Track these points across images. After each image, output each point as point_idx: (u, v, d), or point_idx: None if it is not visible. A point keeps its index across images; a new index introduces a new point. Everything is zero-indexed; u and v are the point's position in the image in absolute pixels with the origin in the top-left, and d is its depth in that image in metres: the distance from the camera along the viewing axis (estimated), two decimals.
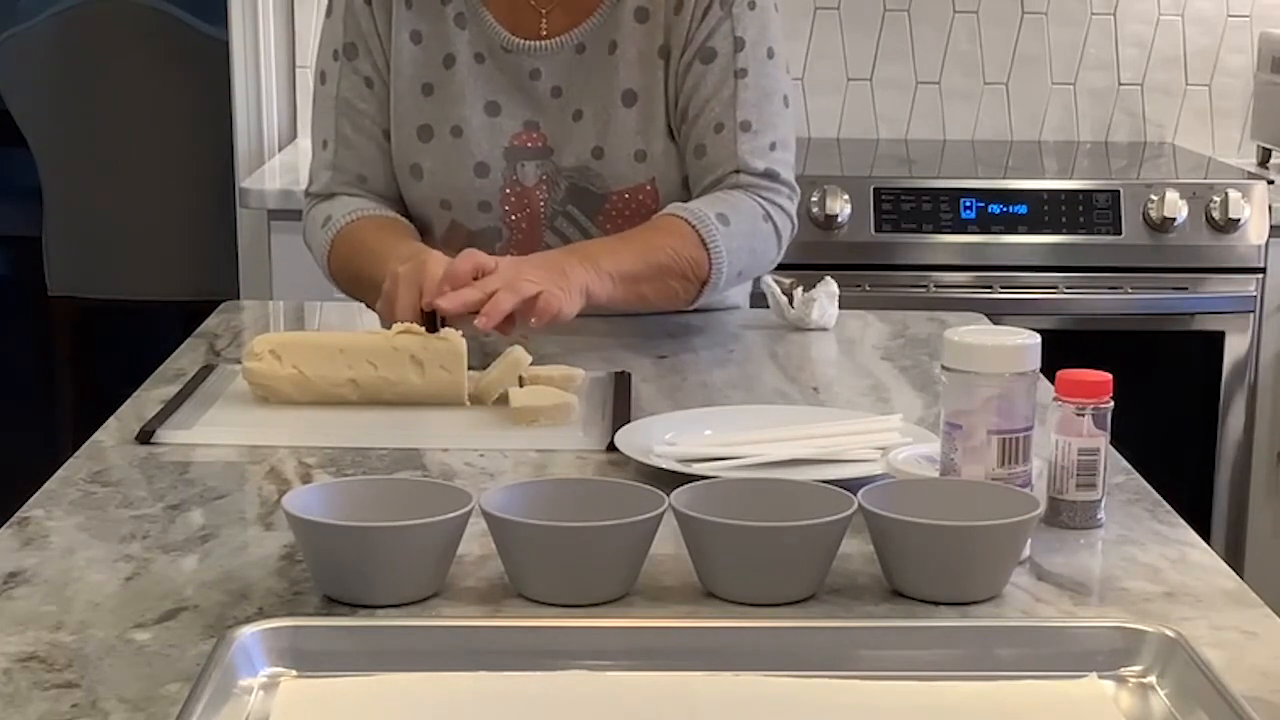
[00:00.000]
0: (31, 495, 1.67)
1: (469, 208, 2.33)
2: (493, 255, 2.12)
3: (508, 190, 2.33)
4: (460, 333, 1.96)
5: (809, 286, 2.36)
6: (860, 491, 1.45)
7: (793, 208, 2.35)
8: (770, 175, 2.31)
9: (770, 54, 2.32)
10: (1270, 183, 3.53)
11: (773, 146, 2.32)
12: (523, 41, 2.31)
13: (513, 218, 2.32)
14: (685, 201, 2.28)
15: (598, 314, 2.34)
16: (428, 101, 2.33)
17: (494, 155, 2.33)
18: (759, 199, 2.29)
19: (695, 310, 2.41)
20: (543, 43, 2.31)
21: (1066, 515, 1.60)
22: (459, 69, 2.32)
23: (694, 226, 2.22)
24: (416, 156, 2.34)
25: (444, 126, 2.33)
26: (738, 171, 2.29)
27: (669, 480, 1.58)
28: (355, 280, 2.29)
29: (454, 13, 2.33)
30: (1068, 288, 3.45)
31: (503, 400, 1.93)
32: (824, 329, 2.34)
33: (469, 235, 2.33)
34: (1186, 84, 4.10)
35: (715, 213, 2.24)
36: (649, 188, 2.30)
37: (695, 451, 1.74)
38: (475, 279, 2.03)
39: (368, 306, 2.24)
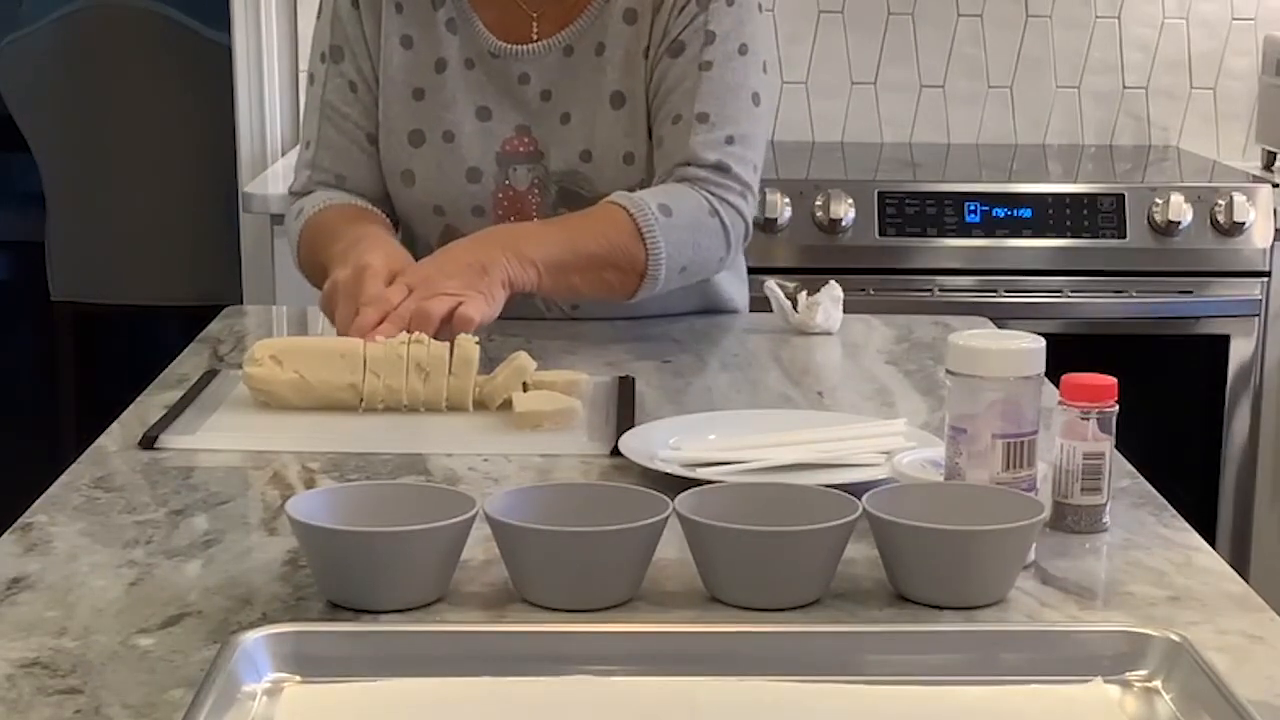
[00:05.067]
0: (34, 501, 1.66)
1: (461, 213, 2.32)
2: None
3: (500, 195, 2.32)
4: (476, 340, 1.96)
5: (813, 290, 2.36)
6: (865, 496, 1.44)
7: (746, 207, 2.28)
8: (721, 168, 2.25)
9: (743, 50, 2.28)
10: (1275, 186, 3.52)
11: (730, 140, 2.26)
12: (510, 46, 2.30)
13: (506, 222, 2.32)
14: None
15: (600, 317, 2.35)
16: (419, 107, 2.32)
17: (486, 160, 2.32)
18: (706, 193, 2.24)
19: (696, 313, 2.41)
20: (530, 46, 2.30)
21: (1071, 519, 1.59)
22: (450, 74, 2.31)
23: (632, 216, 2.18)
24: (408, 162, 2.33)
25: (435, 132, 2.32)
26: (687, 164, 2.25)
27: (673, 485, 1.58)
28: (316, 267, 2.28)
29: (445, 18, 2.32)
30: (1072, 291, 3.45)
31: (507, 405, 1.93)
32: (828, 333, 2.34)
33: None
34: (1191, 87, 4.10)
35: (657, 203, 2.20)
36: (639, 190, 2.29)
37: (699, 456, 1.74)
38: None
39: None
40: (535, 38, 2.31)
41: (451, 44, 2.32)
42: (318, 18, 2.40)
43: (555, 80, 2.30)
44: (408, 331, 1.97)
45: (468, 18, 2.32)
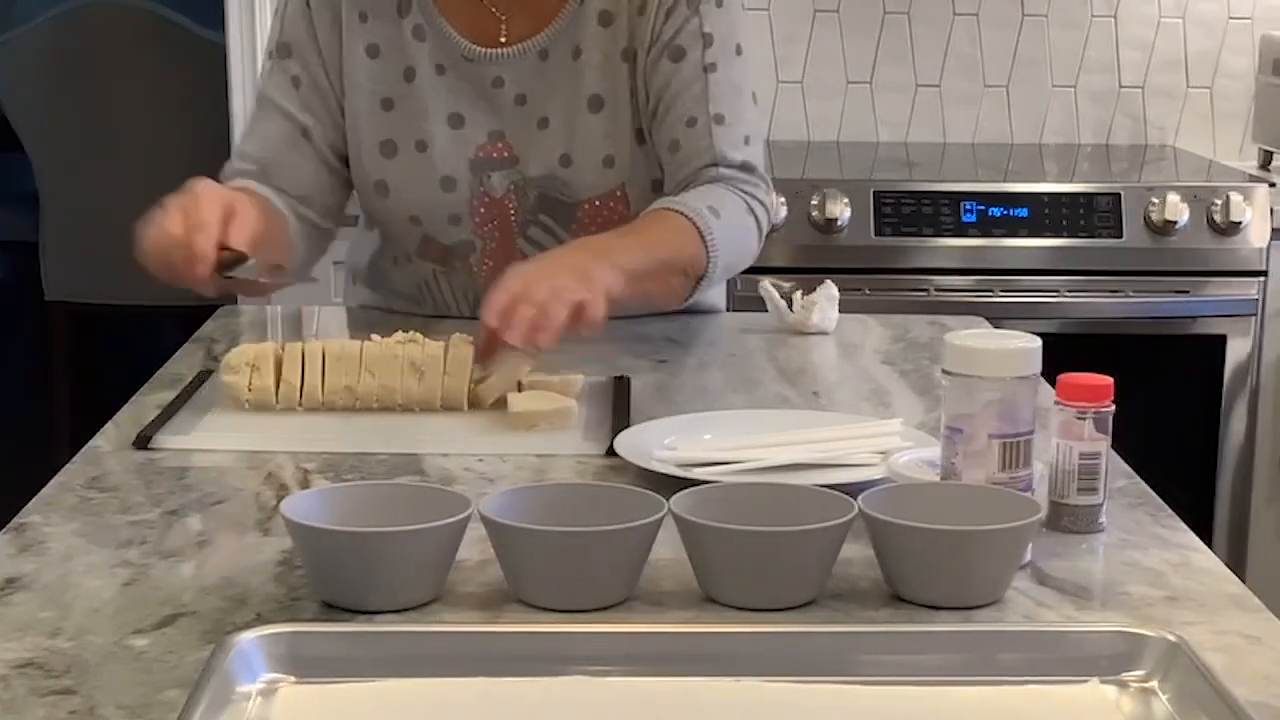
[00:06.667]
0: (29, 501, 1.66)
1: (439, 221, 2.31)
2: (470, 266, 2.22)
3: (476, 202, 2.30)
4: (470, 340, 1.95)
5: (809, 290, 2.36)
6: (861, 496, 1.44)
7: (770, 201, 2.32)
8: (747, 168, 2.28)
9: (739, 50, 2.29)
10: (1272, 185, 3.52)
11: (746, 140, 2.29)
12: (484, 50, 2.29)
13: (484, 229, 2.31)
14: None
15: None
16: (388, 116, 2.30)
17: (460, 168, 2.30)
18: (741, 193, 2.26)
19: (685, 312, 2.41)
20: (504, 50, 2.28)
21: (1068, 519, 1.59)
22: (420, 82, 2.29)
23: (692, 220, 2.18)
24: (380, 173, 2.31)
25: (408, 141, 2.30)
26: (714, 164, 2.26)
27: (669, 485, 1.58)
28: None
29: (412, 25, 2.29)
30: (1069, 291, 3.45)
31: (501, 405, 1.92)
32: (824, 333, 2.34)
33: (443, 249, 2.32)
34: (1188, 86, 4.10)
35: (706, 205, 2.21)
36: (619, 194, 2.28)
37: (695, 456, 1.74)
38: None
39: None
40: (504, 41, 2.29)
41: (420, 51, 2.29)
42: (274, 15, 2.38)
43: (530, 85, 2.29)
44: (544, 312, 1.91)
45: (436, 23, 2.29)
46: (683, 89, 2.26)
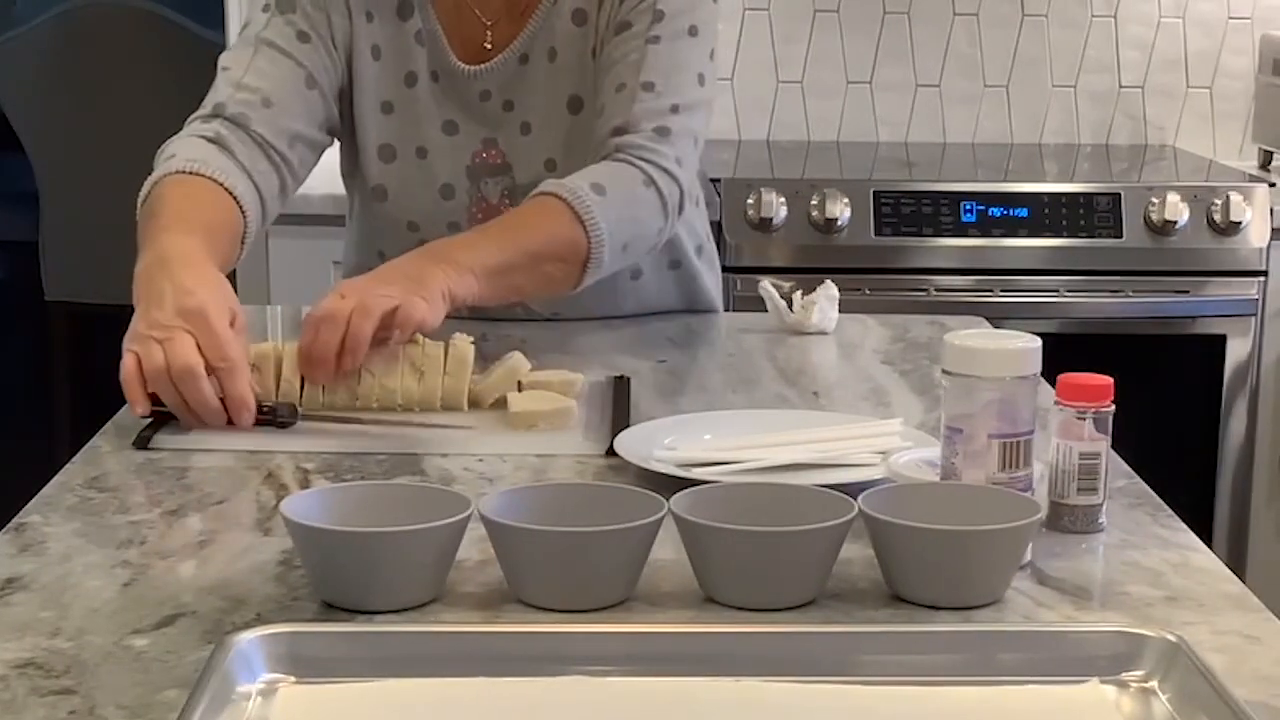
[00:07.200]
0: (29, 501, 1.66)
1: (438, 228, 2.26)
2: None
3: (474, 209, 2.28)
4: (471, 340, 1.95)
5: (808, 290, 2.36)
6: (860, 496, 1.44)
7: (682, 174, 2.19)
8: (660, 132, 2.17)
9: (693, 31, 2.21)
10: (1272, 185, 3.52)
11: (675, 109, 2.18)
12: (469, 68, 2.25)
13: None
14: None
15: (593, 317, 2.34)
16: (386, 120, 2.27)
17: (457, 175, 2.28)
18: (640, 162, 2.15)
19: (685, 312, 2.40)
20: (487, 65, 2.25)
21: (1068, 519, 1.59)
22: (420, 88, 2.27)
23: (568, 203, 2.09)
24: (378, 178, 2.29)
25: (408, 147, 2.28)
26: (623, 130, 2.17)
27: (668, 485, 1.57)
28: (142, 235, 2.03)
29: (414, 29, 2.26)
30: (1069, 291, 3.45)
31: (502, 405, 1.92)
32: (824, 333, 2.34)
33: None
34: (1187, 86, 4.10)
35: (589, 183, 2.11)
36: None
37: (695, 456, 1.74)
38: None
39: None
40: (489, 47, 2.26)
41: (420, 56, 2.26)
42: None
43: (514, 91, 2.26)
44: (348, 329, 1.87)
45: (433, 30, 2.26)
46: (621, 59, 2.20)
